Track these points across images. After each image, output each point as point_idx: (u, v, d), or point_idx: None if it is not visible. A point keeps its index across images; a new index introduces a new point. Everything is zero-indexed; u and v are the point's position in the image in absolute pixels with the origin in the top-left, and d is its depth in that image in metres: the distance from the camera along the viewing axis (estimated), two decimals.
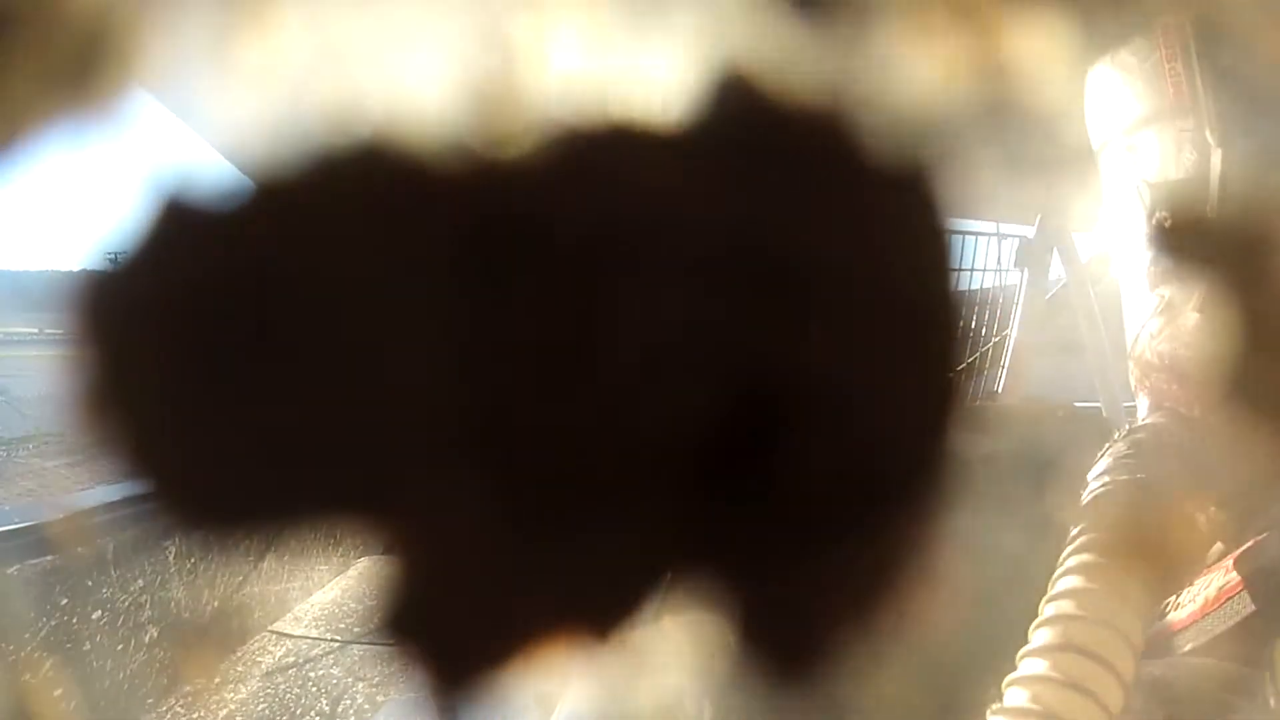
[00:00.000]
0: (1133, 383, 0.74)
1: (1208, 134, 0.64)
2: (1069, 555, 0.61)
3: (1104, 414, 1.35)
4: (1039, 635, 0.59)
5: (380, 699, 1.57)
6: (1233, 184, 0.62)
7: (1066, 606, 0.59)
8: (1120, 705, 0.56)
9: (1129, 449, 0.65)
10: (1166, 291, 0.66)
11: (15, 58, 0.36)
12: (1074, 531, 0.62)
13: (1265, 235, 0.56)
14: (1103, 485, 0.64)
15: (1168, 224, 0.64)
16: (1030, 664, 0.57)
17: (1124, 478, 0.63)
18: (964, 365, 0.31)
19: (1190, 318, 0.63)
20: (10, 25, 0.36)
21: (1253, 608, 0.56)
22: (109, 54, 0.37)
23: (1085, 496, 0.64)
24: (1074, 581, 0.59)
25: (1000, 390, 1.78)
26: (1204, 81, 0.66)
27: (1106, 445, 0.67)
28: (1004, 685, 0.58)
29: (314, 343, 0.28)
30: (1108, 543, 0.59)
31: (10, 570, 1.24)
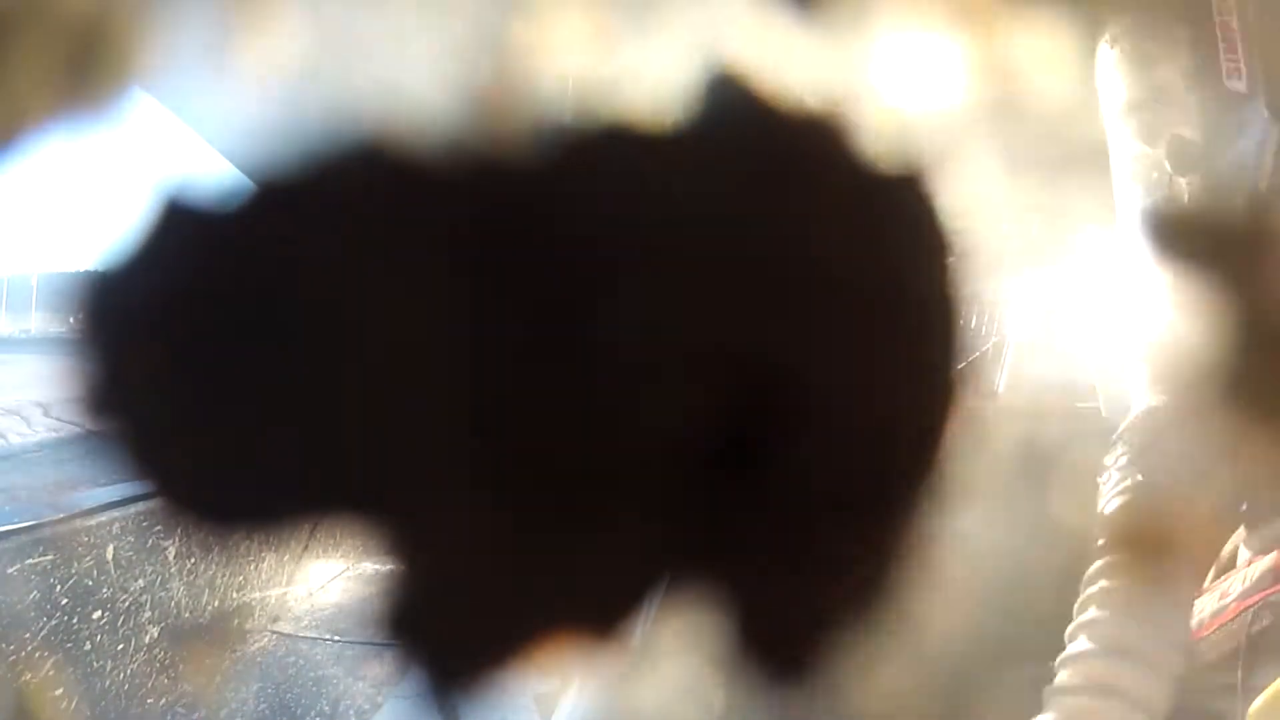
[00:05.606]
0: (1130, 367, 0.71)
1: (1262, 105, 0.58)
2: (1094, 579, 0.57)
3: (1104, 414, 1.34)
4: (1063, 674, 0.56)
5: (380, 699, 1.57)
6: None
7: (1090, 644, 0.55)
8: None
9: (1139, 451, 0.61)
10: (1176, 276, 0.62)
11: (15, 57, 0.36)
12: (1100, 545, 0.58)
13: None
14: (1124, 493, 0.60)
15: (1191, 193, 0.60)
16: (1058, 704, 0.54)
17: (1143, 492, 0.59)
18: (964, 365, 0.31)
19: (1201, 306, 0.60)
20: (10, 25, 0.36)
21: (1243, 634, 0.55)
22: (109, 54, 0.37)
23: (1105, 504, 0.61)
24: (1101, 612, 0.56)
25: (1000, 390, 1.77)
26: (1262, 44, 0.59)
27: (1114, 440, 0.64)
28: None
29: (314, 343, 0.28)
30: (1135, 564, 0.56)
31: (10, 570, 1.24)
